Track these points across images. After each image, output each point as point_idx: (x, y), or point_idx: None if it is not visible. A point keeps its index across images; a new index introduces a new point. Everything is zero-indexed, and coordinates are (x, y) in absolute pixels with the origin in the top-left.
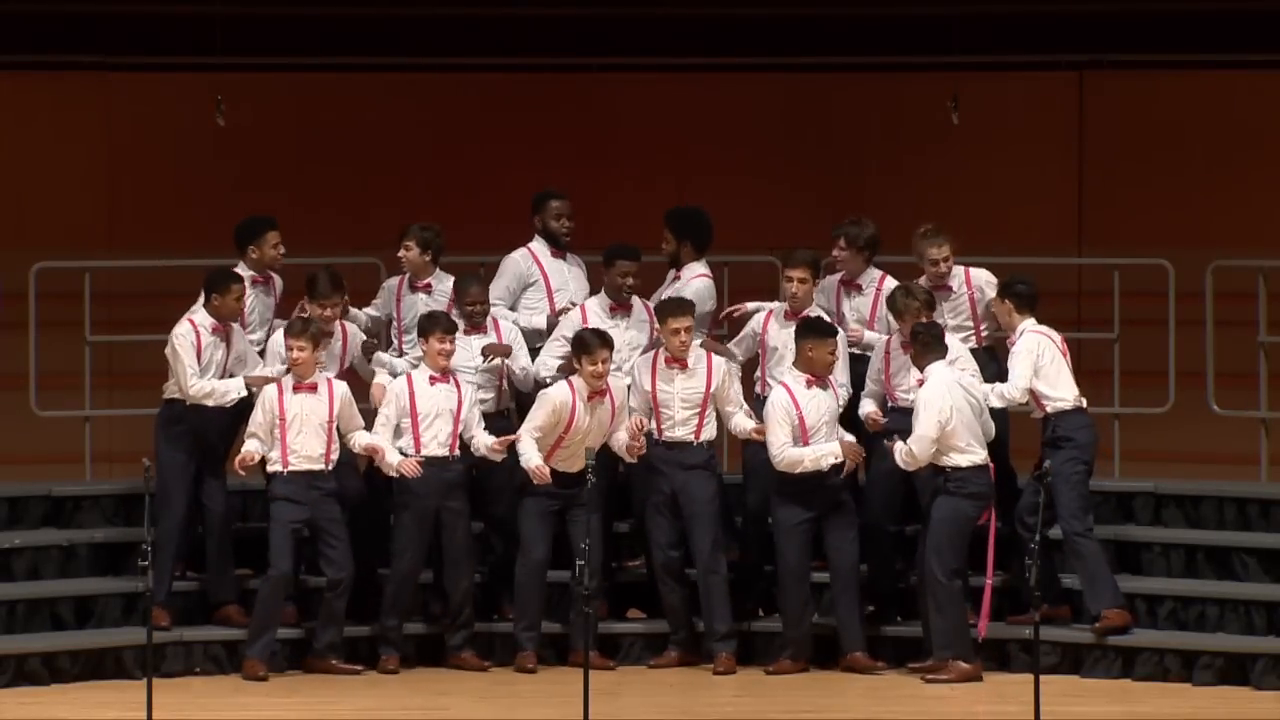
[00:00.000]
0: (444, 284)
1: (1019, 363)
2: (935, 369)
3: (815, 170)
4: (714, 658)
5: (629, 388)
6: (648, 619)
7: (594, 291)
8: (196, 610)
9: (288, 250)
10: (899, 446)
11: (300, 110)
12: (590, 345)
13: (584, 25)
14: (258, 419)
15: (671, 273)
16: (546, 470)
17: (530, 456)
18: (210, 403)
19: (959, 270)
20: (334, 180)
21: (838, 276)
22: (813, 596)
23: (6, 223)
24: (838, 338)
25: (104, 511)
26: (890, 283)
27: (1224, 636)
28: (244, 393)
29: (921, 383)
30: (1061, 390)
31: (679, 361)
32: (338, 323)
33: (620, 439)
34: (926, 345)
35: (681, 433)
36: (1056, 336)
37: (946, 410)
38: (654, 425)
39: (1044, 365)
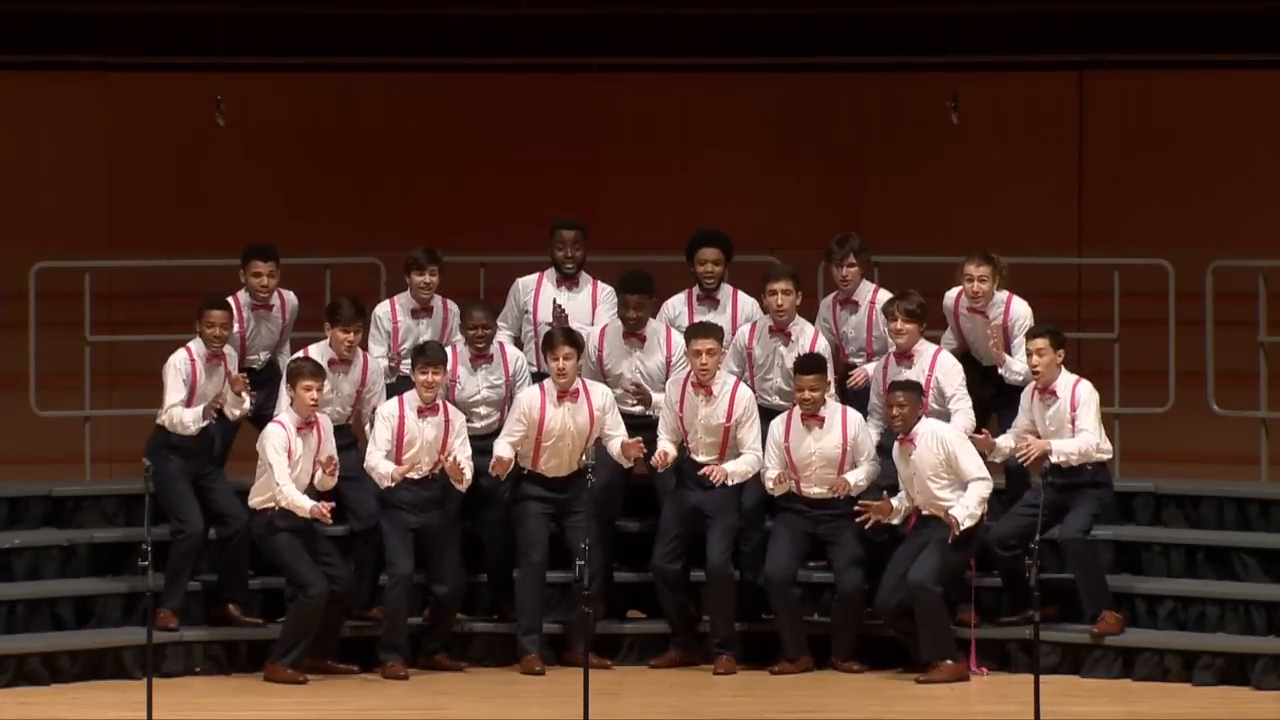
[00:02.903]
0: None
1: (1093, 418)
2: (925, 427)
3: (815, 170)
4: (714, 658)
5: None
6: (648, 619)
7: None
8: (197, 610)
9: (287, 250)
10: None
11: (300, 110)
12: (554, 341)
13: (584, 25)
14: (280, 462)
15: None
16: (507, 460)
17: (498, 451)
18: (179, 430)
19: (1001, 299)
20: (334, 180)
21: (833, 296)
22: (801, 599)
23: (6, 223)
24: (811, 378)
25: (104, 511)
26: (883, 294)
27: (1224, 636)
28: (202, 423)
29: (912, 441)
30: (1105, 441)
31: (704, 387)
32: (358, 350)
33: (615, 448)
34: (914, 407)
35: (704, 457)
36: None
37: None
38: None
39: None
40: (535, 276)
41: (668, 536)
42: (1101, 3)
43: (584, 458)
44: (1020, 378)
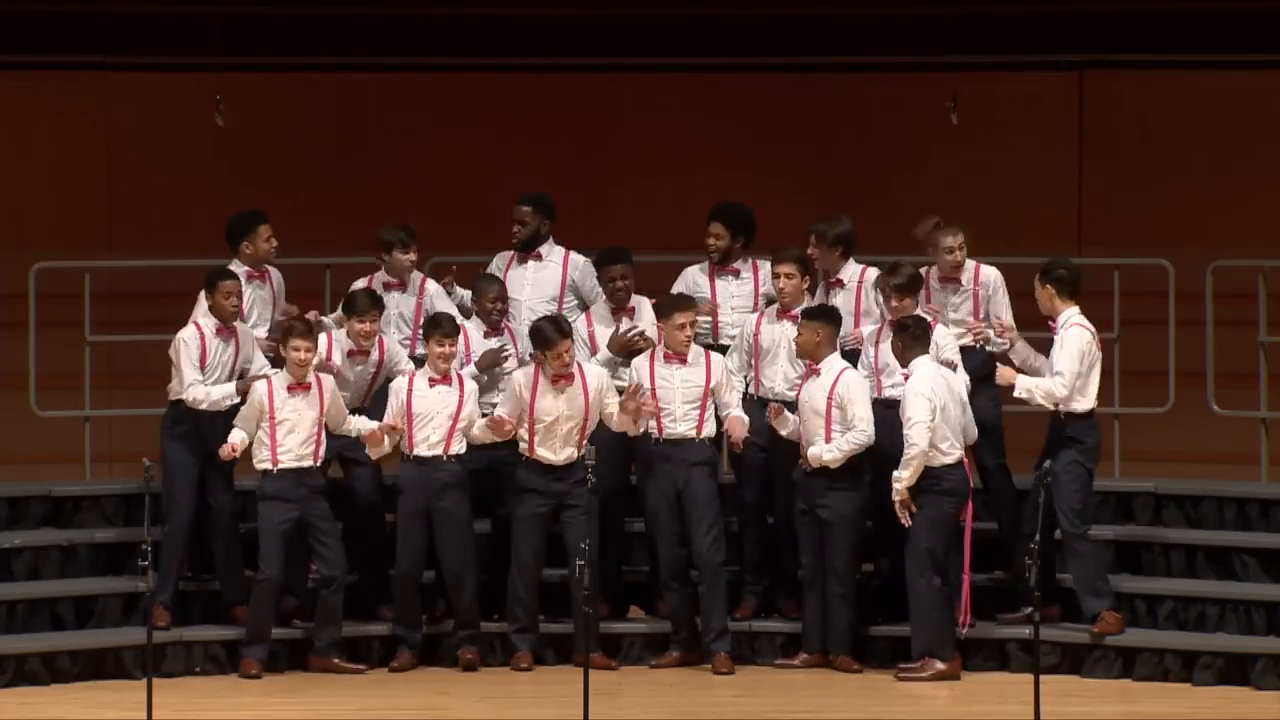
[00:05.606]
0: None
1: (1067, 357)
2: (920, 363)
3: (815, 170)
4: (714, 658)
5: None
6: (648, 619)
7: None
8: (197, 610)
9: (287, 250)
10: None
11: (300, 110)
12: (551, 338)
13: (584, 25)
14: (245, 413)
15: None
16: (507, 423)
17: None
18: (205, 407)
19: (970, 265)
20: (334, 180)
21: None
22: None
23: (6, 223)
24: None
25: (104, 511)
26: (872, 274)
27: (1224, 636)
28: (237, 398)
29: (907, 377)
30: (1088, 393)
31: (679, 356)
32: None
33: (620, 415)
34: (914, 339)
35: (683, 428)
36: (1095, 334)
37: (936, 403)
38: (654, 424)
39: (1084, 365)
40: (502, 254)
41: (665, 524)
42: (1101, 3)
43: (584, 455)
44: (1005, 347)
